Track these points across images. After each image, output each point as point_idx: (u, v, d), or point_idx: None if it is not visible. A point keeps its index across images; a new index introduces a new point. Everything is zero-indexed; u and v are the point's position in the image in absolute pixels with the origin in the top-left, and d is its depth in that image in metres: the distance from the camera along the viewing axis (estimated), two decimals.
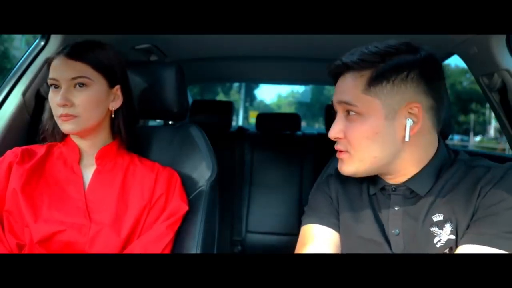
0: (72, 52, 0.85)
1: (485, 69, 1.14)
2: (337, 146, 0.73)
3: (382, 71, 0.67)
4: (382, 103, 0.67)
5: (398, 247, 0.70)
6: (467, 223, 0.64)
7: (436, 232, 0.67)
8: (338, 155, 0.74)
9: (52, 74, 0.85)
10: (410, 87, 0.67)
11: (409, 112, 0.68)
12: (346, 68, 0.71)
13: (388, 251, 0.71)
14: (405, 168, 0.71)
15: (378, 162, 0.70)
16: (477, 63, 1.18)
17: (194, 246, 0.92)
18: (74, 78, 0.84)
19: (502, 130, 1.22)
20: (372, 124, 0.68)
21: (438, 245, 0.66)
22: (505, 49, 1.06)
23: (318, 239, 0.77)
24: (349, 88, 0.70)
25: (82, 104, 0.84)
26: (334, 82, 0.75)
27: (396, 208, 0.72)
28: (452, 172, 0.70)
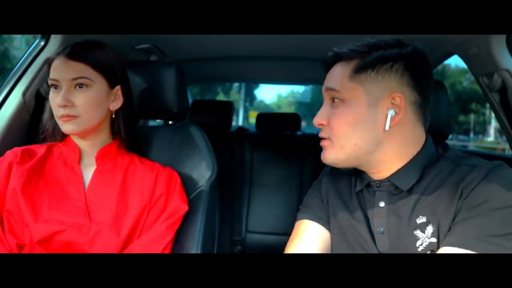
0: (72, 53, 0.85)
1: (485, 69, 1.14)
2: (320, 134, 0.74)
3: (368, 60, 0.69)
4: (365, 90, 0.69)
5: (384, 246, 0.70)
6: (448, 225, 0.63)
7: (418, 235, 0.66)
8: (321, 143, 0.75)
9: (52, 74, 0.85)
10: (394, 77, 0.69)
11: (391, 103, 0.68)
12: (336, 57, 0.73)
13: (374, 250, 0.70)
14: (387, 161, 0.71)
15: (358, 150, 0.70)
16: (477, 63, 1.18)
17: (194, 246, 0.92)
18: (74, 79, 0.84)
19: (502, 130, 1.22)
20: (355, 110, 0.69)
21: (420, 249, 0.65)
22: (505, 49, 1.06)
23: (306, 233, 0.79)
24: (336, 75, 0.72)
25: (82, 105, 0.84)
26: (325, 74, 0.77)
27: (381, 205, 0.72)
28: (438, 169, 0.69)
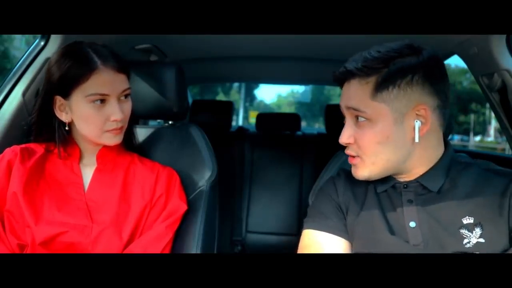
0: (119, 66, 0.85)
1: (485, 69, 1.14)
2: (347, 151, 0.75)
3: (387, 77, 0.68)
4: (390, 108, 0.69)
5: (416, 239, 0.70)
6: (499, 230, 0.66)
7: (465, 234, 0.67)
8: (350, 160, 0.75)
9: (101, 89, 0.82)
10: (415, 89, 0.68)
11: (416, 114, 0.69)
12: (351, 75, 0.71)
13: (405, 246, 0.70)
14: (417, 167, 0.73)
15: (390, 164, 0.72)
16: (477, 63, 1.18)
17: (194, 246, 0.92)
18: (124, 91, 0.86)
19: (502, 130, 1.22)
20: (382, 129, 0.69)
21: (467, 246, 0.66)
22: (505, 49, 1.06)
23: (325, 249, 0.75)
24: (356, 94, 0.71)
25: (128, 114, 0.89)
26: (340, 86, 0.76)
27: (409, 204, 0.73)
28: (468, 174, 0.72)
